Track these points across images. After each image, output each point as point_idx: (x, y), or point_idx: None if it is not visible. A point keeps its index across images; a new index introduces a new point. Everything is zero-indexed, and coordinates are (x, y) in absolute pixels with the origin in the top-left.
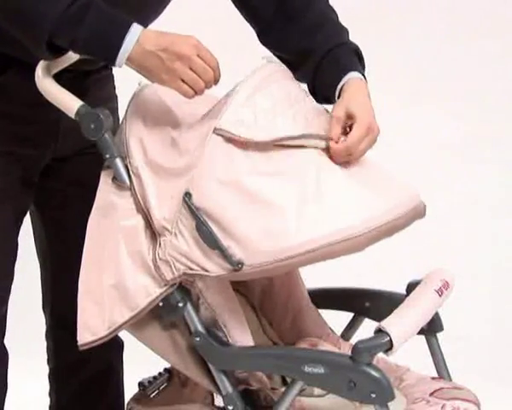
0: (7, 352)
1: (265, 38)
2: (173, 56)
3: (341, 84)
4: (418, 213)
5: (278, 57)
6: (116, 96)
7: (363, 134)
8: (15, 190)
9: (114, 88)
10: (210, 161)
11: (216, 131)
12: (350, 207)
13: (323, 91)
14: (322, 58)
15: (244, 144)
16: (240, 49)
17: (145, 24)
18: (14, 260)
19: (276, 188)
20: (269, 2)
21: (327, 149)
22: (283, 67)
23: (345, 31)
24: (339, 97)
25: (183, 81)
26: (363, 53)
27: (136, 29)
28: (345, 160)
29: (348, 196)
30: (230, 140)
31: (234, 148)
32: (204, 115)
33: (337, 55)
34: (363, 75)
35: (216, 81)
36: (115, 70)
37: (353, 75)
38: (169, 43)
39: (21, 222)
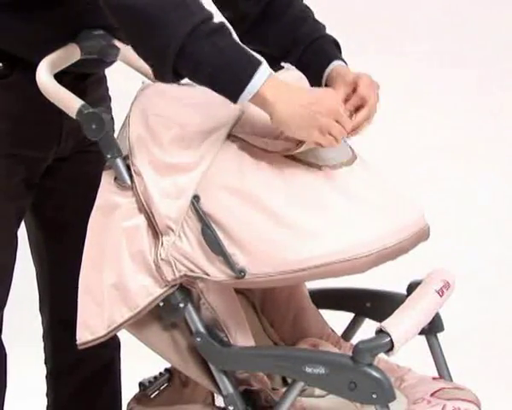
0: (4, 350)
1: (248, 36)
2: (322, 109)
3: (328, 70)
4: (422, 236)
5: (259, 52)
6: (110, 97)
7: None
8: (19, 192)
9: (107, 89)
10: (221, 167)
11: (231, 137)
12: (356, 227)
13: (307, 77)
14: (306, 48)
15: (257, 153)
16: None
17: None
18: (15, 261)
19: (285, 201)
20: (256, 5)
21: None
22: (301, 74)
23: (323, 26)
24: (325, 82)
25: (330, 134)
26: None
27: (266, 68)
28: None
29: (355, 217)
30: (243, 148)
31: (246, 156)
32: (213, 115)
33: (321, 45)
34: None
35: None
36: (114, 71)
37: (339, 63)
38: (318, 98)
39: (20, 223)
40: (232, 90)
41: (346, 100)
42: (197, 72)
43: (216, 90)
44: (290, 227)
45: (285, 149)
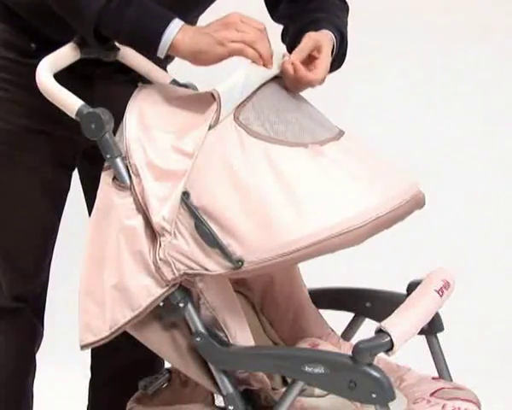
0: (40, 333)
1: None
2: (220, 27)
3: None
4: (417, 202)
5: None
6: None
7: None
8: (45, 167)
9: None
10: (207, 160)
11: (211, 127)
12: (348, 200)
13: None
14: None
15: (240, 138)
16: None
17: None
18: (49, 236)
19: (274, 184)
20: None
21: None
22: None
23: (341, 18)
24: None
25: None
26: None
27: (177, 22)
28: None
29: (346, 189)
30: (226, 135)
31: (229, 143)
32: (200, 111)
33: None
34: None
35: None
36: None
37: (326, 31)
38: (213, 23)
39: (58, 202)
40: (149, 51)
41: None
42: (118, 40)
43: (138, 51)
44: (281, 210)
45: (268, 137)
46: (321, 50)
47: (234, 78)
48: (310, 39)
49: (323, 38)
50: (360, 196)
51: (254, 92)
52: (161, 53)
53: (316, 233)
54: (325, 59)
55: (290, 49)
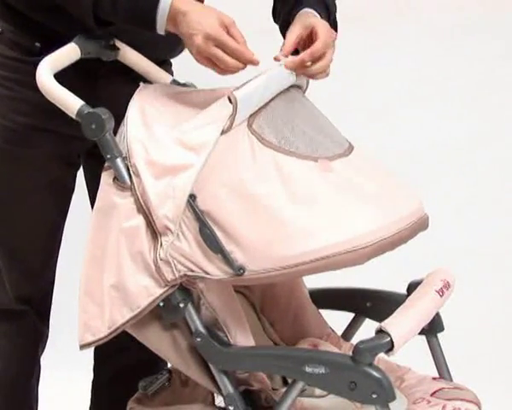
0: (44, 335)
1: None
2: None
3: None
4: (421, 225)
5: None
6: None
7: (324, 47)
8: (49, 165)
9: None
10: (216, 165)
11: (224, 133)
12: (355, 219)
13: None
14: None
15: (252, 146)
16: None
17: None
18: (53, 235)
19: (282, 196)
20: None
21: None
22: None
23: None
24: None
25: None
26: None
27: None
28: (300, 70)
29: (352, 208)
30: (238, 142)
31: (240, 151)
32: (207, 113)
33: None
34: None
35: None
36: None
37: (308, 10)
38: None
39: (62, 202)
40: (148, 17)
41: (299, 42)
42: (115, 17)
43: (137, 25)
44: (287, 222)
45: (278, 147)
46: (317, 36)
47: (254, 83)
48: (296, 28)
49: (316, 23)
50: (365, 216)
51: (270, 100)
52: (161, 25)
53: (319, 250)
54: (328, 53)
55: (283, 31)
